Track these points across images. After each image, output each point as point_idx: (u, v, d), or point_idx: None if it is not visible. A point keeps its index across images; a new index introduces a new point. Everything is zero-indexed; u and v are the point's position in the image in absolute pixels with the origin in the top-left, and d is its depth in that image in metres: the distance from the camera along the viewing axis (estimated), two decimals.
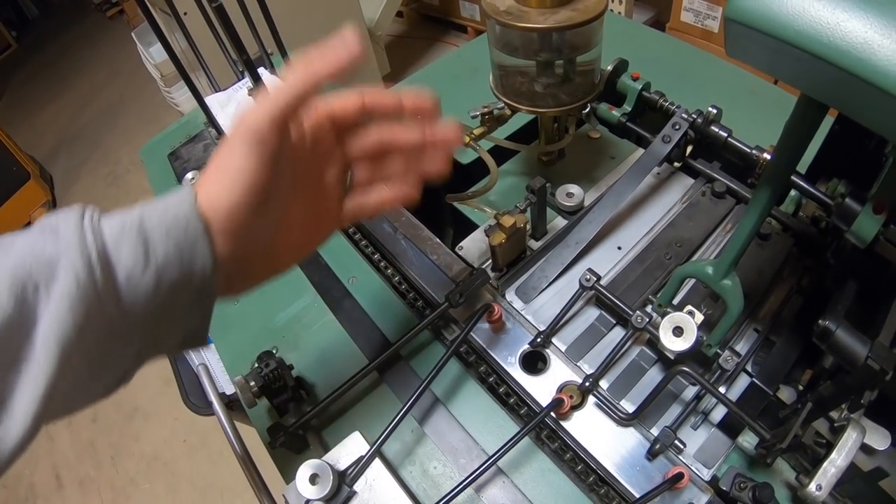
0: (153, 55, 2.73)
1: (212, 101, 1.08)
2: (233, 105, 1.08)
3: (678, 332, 0.58)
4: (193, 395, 1.28)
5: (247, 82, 1.09)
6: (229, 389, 0.95)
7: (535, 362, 0.65)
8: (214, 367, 0.86)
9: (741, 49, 0.41)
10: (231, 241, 0.41)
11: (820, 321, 0.47)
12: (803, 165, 0.67)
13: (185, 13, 1.04)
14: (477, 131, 0.75)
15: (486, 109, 0.75)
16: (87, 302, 0.35)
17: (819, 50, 0.34)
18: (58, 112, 4.22)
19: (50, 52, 5.04)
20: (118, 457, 2.20)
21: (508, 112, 0.76)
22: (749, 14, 0.37)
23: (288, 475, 0.64)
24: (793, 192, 0.73)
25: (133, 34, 2.84)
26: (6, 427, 0.33)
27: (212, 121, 0.97)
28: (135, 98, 4.03)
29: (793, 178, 0.66)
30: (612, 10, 2.51)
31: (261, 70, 1.10)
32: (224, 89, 1.14)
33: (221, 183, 0.41)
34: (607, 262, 0.73)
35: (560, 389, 0.62)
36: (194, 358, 1.30)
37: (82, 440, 2.28)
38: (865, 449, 0.58)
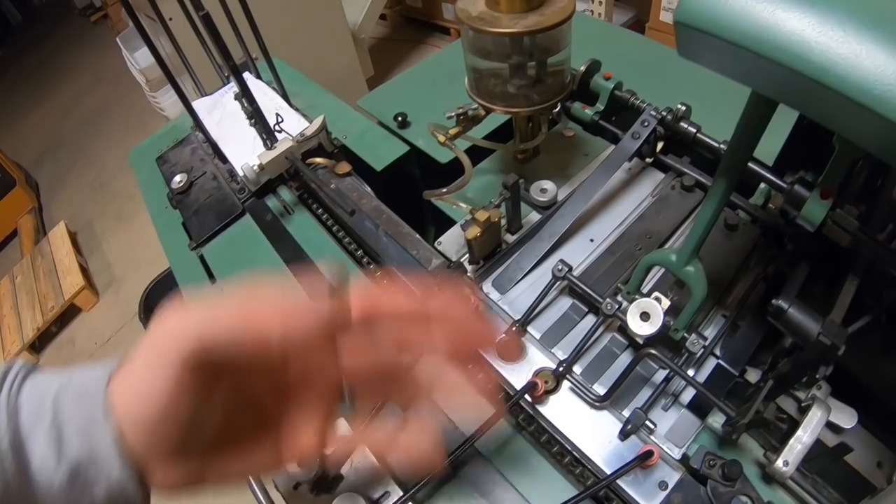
0: (138, 60, 2.73)
1: (199, 105, 1.10)
2: (219, 110, 1.10)
3: (645, 317, 0.60)
4: None
5: (232, 87, 1.11)
6: None
7: None
8: None
9: (691, 51, 0.44)
10: (140, 436, 0.36)
11: (773, 300, 0.50)
12: (771, 159, 0.70)
13: (171, 18, 1.05)
14: (452, 131, 0.77)
15: (461, 110, 0.77)
16: None
17: (761, 49, 0.37)
18: (42, 118, 4.19)
19: (33, 57, 5.01)
20: None
21: (483, 112, 0.79)
22: (696, 17, 0.39)
23: None
24: (762, 186, 0.76)
25: (118, 39, 2.84)
26: None
27: (199, 125, 0.99)
28: (119, 103, 4.01)
29: (760, 170, 0.69)
30: (591, 12, 2.52)
31: (245, 75, 1.13)
32: (210, 94, 1.17)
33: (135, 383, 0.36)
34: (580, 253, 0.76)
35: (535, 375, 0.64)
36: None
37: None
38: (834, 428, 0.61)
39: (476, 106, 0.77)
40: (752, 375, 0.66)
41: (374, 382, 0.43)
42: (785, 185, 0.67)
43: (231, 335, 0.36)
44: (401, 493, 0.57)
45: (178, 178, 1.04)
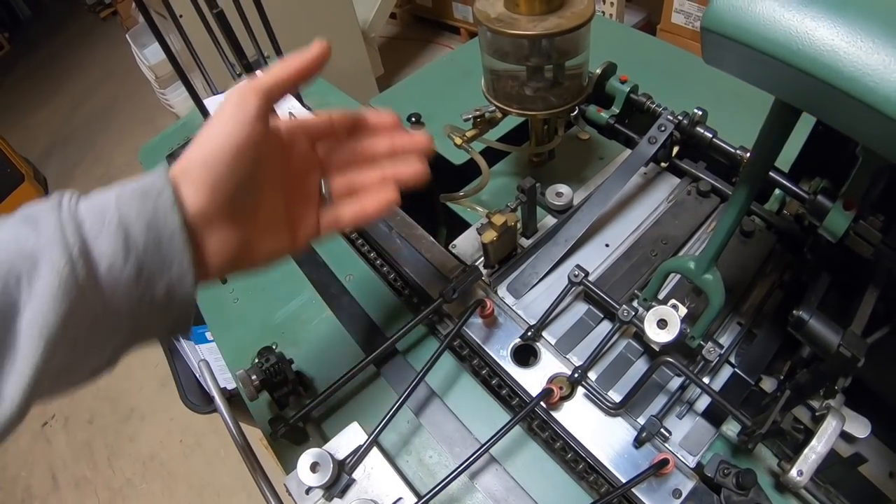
0: (148, 56, 2.73)
1: (210, 103, 1.10)
2: None
3: (662, 324, 0.60)
4: (191, 393, 1.30)
5: None
6: (228, 386, 0.97)
7: (526, 355, 0.68)
8: (213, 365, 0.88)
9: (717, 57, 0.43)
10: (205, 192, 0.43)
11: (794, 311, 0.50)
12: (787, 164, 0.69)
13: (181, 15, 1.05)
14: (469, 133, 0.77)
15: (477, 112, 0.77)
16: (70, 296, 0.36)
17: (789, 58, 0.37)
18: (51, 113, 4.21)
19: (43, 53, 5.02)
20: (114, 457, 2.21)
21: (499, 115, 0.78)
22: (724, 24, 0.39)
23: (288, 466, 0.66)
24: (777, 191, 0.75)
25: (127, 35, 2.84)
26: None
27: None
28: (128, 99, 4.02)
29: (776, 176, 0.69)
30: (602, 13, 2.54)
31: (258, 73, 1.12)
32: (222, 92, 1.16)
33: (198, 142, 0.44)
34: (595, 258, 0.76)
35: (550, 381, 0.64)
36: (192, 356, 1.32)
37: (78, 441, 2.29)
38: (847, 437, 0.61)
39: (492, 108, 0.77)
40: (768, 384, 0.66)
41: (347, 173, 0.54)
42: (803, 193, 0.67)
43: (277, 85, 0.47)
44: (414, 499, 0.57)
45: None
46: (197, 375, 1.26)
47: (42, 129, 4.07)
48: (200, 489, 2.03)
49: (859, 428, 0.60)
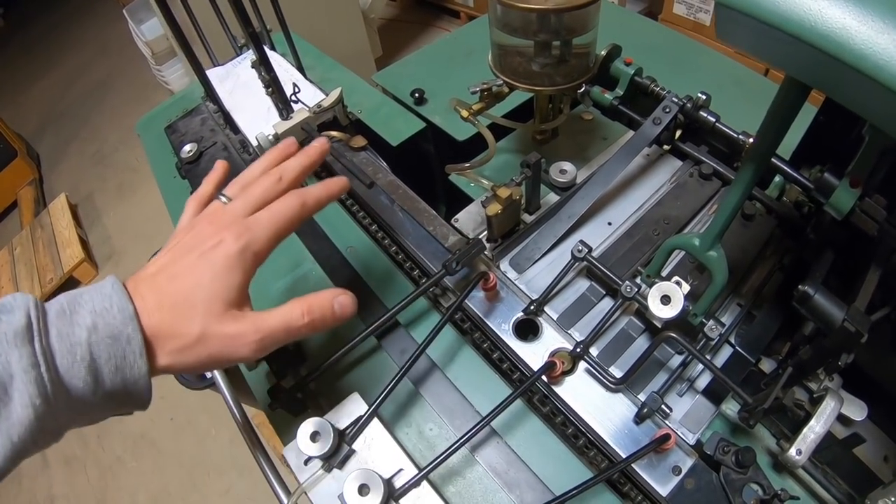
0: (144, 32, 2.70)
1: (211, 75, 1.09)
2: (232, 80, 1.09)
3: (666, 300, 0.60)
4: None
5: (247, 57, 1.10)
6: None
7: (527, 330, 0.68)
8: None
9: (730, 32, 0.43)
10: (173, 356, 0.46)
11: (800, 286, 0.50)
12: (788, 153, 0.70)
13: None
14: (476, 107, 0.77)
15: (485, 86, 0.77)
16: (41, 420, 0.39)
17: (802, 34, 0.37)
18: (45, 90, 4.16)
19: (37, 29, 4.96)
20: (104, 435, 2.20)
21: (506, 89, 0.78)
22: None
23: (285, 438, 0.66)
24: (777, 178, 0.76)
25: (125, 11, 2.81)
26: None
27: (211, 95, 0.98)
28: (123, 76, 3.98)
29: (778, 164, 0.69)
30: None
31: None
32: (222, 64, 1.15)
33: (172, 289, 0.47)
34: (598, 236, 0.76)
35: (552, 355, 0.64)
36: None
37: None
38: (844, 420, 0.61)
39: (500, 82, 0.77)
40: (767, 365, 0.66)
41: None
42: (804, 180, 0.67)
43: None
44: (415, 471, 0.57)
45: (187, 147, 1.03)
46: None
47: (36, 106, 4.03)
48: (191, 468, 2.03)
49: (856, 410, 0.61)
